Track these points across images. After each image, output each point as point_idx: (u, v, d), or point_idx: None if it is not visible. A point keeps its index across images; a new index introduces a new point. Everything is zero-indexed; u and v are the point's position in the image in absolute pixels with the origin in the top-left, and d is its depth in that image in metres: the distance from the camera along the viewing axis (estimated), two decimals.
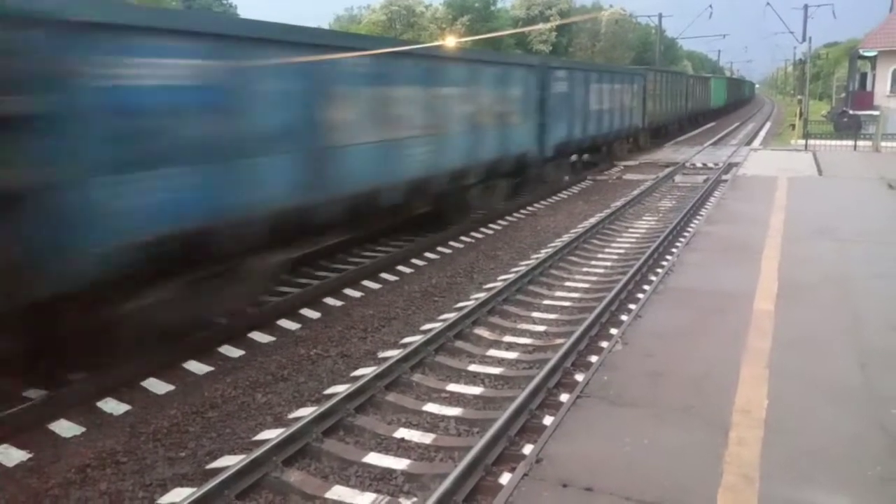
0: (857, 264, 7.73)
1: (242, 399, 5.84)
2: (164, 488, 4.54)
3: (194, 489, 4.24)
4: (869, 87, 34.51)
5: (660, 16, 48.40)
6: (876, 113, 26.79)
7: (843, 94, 40.50)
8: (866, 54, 34.05)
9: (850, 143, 23.38)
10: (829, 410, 4.33)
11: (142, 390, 5.92)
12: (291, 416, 5.49)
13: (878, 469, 3.67)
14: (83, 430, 5.27)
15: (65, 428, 5.26)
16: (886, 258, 8.09)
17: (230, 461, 4.65)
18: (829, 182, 14.93)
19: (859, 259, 7.97)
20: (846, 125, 28.86)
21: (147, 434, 5.24)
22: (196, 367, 6.40)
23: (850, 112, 32.17)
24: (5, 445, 4.95)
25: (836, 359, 5.13)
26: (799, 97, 32.91)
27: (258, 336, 7.15)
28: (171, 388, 6.00)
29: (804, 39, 36.19)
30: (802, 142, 24.84)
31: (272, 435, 4.92)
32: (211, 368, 6.41)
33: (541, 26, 55.39)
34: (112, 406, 5.63)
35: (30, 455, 4.90)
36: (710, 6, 42.11)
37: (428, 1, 62.88)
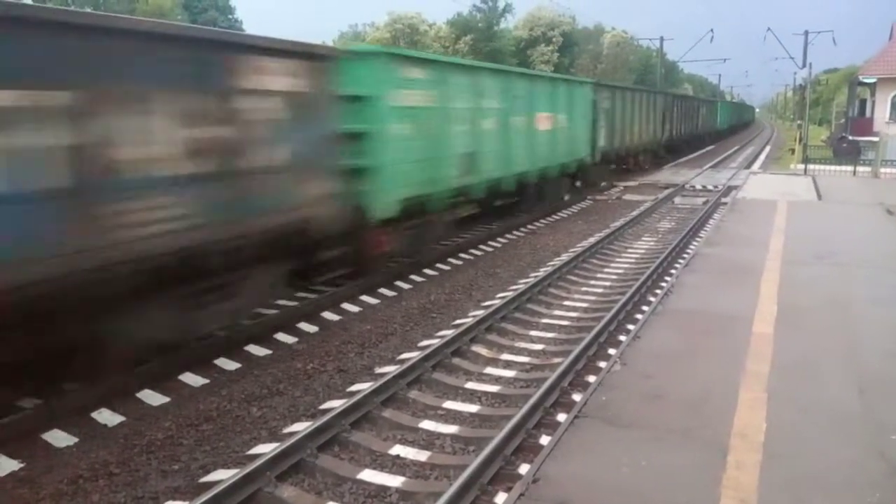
0: (857, 289, 7.72)
1: (237, 412, 5.81)
2: (157, 501, 4.50)
3: (186, 503, 4.20)
4: (868, 114, 34.77)
5: (661, 39, 48.90)
6: (875, 139, 26.94)
7: (843, 120, 40.81)
8: (866, 81, 34.36)
9: (850, 168, 23.48)
10: (827, 436, 4.31)
11: (136, 401, 5.89)
12: (286, 430, 5.45)
13: (878, 496, 3.64)
14: (76, 440, 5.23)
15: (58, 438, 5.22)
16: (886, 284, 8.09)
17: (223, 475, 4.61)
18: (828, 207, 14.97)
19: (859, 284, 7.97)
20: (846, 151, 29.03)
21: (140, 446, 5.19)
22: (192, 379, 6.37)
23: (850, 138, 32.38)
24: None
25: (835, 384, 5.11)
26: (799, 122, 33.13)
27: (255, 349, 7.12)
28: (165, 399, 5.97)
29: (804, 65, 36.51)
30: (802, 166, 24.96)
31: (266, 449, 4.88)
32: (206, 381, 6.38)
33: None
34: (106, 417, 5.59)
35: (22, 465, 4.86)
36: (712, 30, 42.53)
37: (431, 20, 63.50)
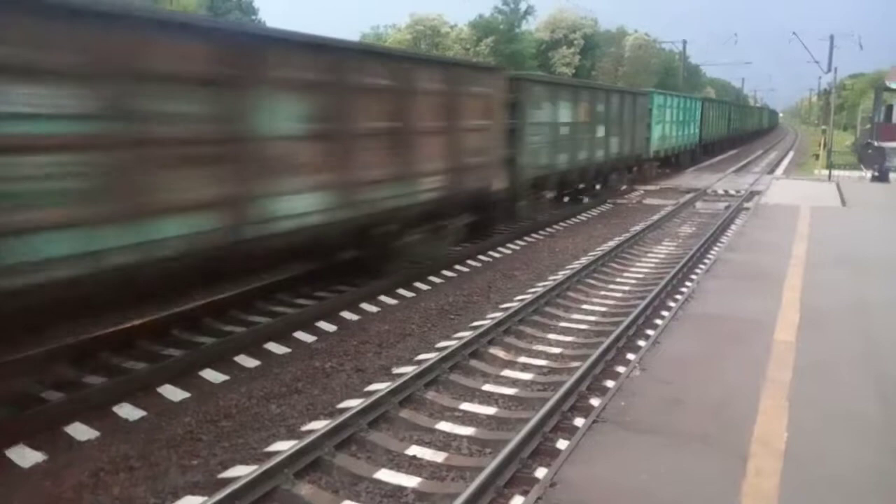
0: (881, 296, 7.61)
1: (256, 409, 5.85)
2: (176, 496, 4.54)
3: (205, 498, 4.24)
4: (895, 120, 34.19)
5: (684, 42, 48.58)
6: None
7: (868, 126, 40.16)
8: (892, 86, 33.78)
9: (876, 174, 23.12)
10: (849, 443, 4.25)
11: (157, 396, 5.95)
12: (304, 428, 5.48)
13: None
14: (98, 434, 5.30)
15: (80, 431, 5.30)
16: None
17: (242, 471, 4.65)
18: (852, 213, 14.76)
19: (883, 291, 7.85)
20: (871, 157, 28.58)
21: (161, 440, 5.25)
22: (212, 375, 6.43)
23: (875, 144, 31.87)
24: (21, 446, 4.99)
25: (858, 391, 5.03)
26: (823, 127, 32.70)
27: (274, 347, 7.17)
28: (186, 395, 6.03)
29: (829, 70, 36.03)
30: (826, 172, 24.64)
31: (285, 447, 4.92)
32: (226, 377, 6.43)
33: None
34: (128, 411, 5.66)
35: (45, 457, 4.93)
36: (735, 34, 42.28)
37: (452, 21, 63.53)
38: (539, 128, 14.05)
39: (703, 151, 33.17)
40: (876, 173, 22.92)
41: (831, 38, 37.87)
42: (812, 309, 7.02)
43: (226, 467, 4.89)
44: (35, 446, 5.02)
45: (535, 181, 13.97)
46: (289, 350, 7.18)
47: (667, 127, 25.20)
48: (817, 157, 29.87)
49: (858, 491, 3.75)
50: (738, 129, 47.06)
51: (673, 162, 27.20)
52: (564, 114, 15.39)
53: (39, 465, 4.85)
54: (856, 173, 23.63)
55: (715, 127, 37.17)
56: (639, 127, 21.35)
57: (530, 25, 64.51)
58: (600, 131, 17.85)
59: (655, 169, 24.63)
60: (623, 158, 20.18)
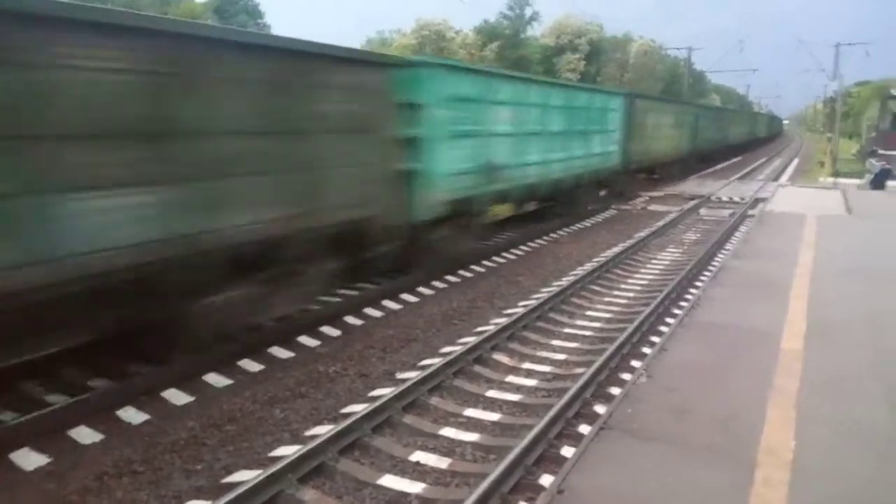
0: (888, 305, 7.57)
1: (260, 414, 5.84)
2: (179, 500, 4.53)
3: (209, 503, 4.22)
4: None
5: (689, 49, 48.56)
6: None
7: (874, 134, 40.06)
8: None
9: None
10: (857, 454, 4.22)
11: (161, 401, 5.95)
12: (308, 433, 5.47)
13: None
14: (102, 437, 5.30)
15: (84, 435, 5.29)
16: None
17: (246, 476, 4.63)
18: (858, 221, 14.71)
19: (890, 299, 7.81)
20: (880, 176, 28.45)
21: (164, 445, 5.24)
22: (215, 379, 6.42)
23: (881, 152, 31.76)
24: (25, 449, 4.98)
25: (866, 401, 5.00)
26: (829, 135, 32.65)
27: (278, 351, 7.16)
28: (190, 399, 6.02)
29: (835, 77, 36.01)
30: (831, 179, 24.58)
31: (289, 452, 4.90)
32: (230, 382, 6.42)
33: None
34: (131, 415, 5.65)
35: (49, 460, 4.93)
36: (741, 41, 42.14)
37: (458, 26, 63.62)
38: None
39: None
40: (872, 181, 22.68)
41: (837, 45, 37.83)
42: (819, 318, 6.98)
43: (229, 472, 4.88)
44: (39, 449, 5.02)
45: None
46: (293, 354, 7.17)
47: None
48: (822, 164, 29.81)
49: (866, 501, 3.72)
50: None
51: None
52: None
53: (43, 469, 4.84)
54: (861, 181, 23.55)
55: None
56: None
57: (535, 31, 64.62)
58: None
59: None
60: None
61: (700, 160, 30.82)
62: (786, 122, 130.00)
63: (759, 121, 68.02)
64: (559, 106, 14.18)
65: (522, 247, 13.30)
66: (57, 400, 5.71)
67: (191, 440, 5.34)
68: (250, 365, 6.80)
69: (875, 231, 13.21)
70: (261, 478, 4.39)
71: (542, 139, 13.29)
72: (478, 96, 10.70)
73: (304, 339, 7.55)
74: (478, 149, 10.74)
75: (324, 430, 5.23)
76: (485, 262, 11.73)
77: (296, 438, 5.39)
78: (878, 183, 22.32)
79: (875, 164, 22.13)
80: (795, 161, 44.50)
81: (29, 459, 4.90)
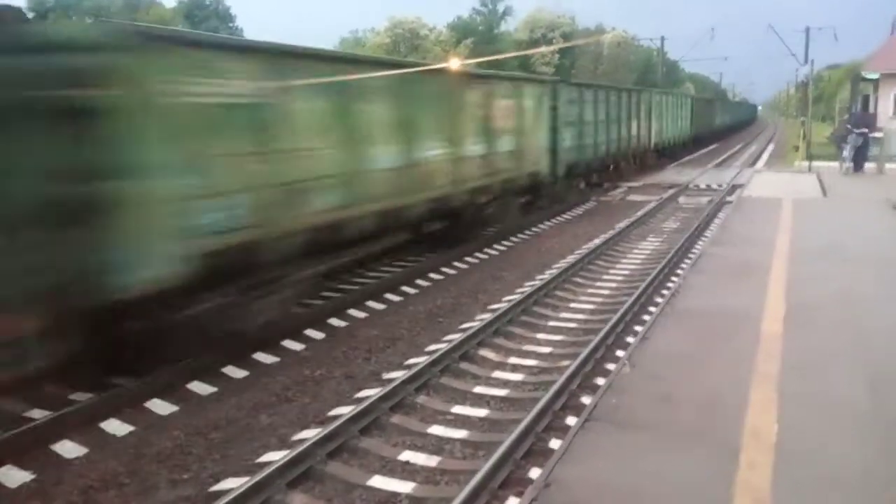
0: (866, 286, 7.69)
1: (246, 420, 5.80)
2: None
3: None
4: (871, 110, 34.61)
5: (662, 38, 48.92)
6: (880, 135, 26.82)
7: (846, 116, 40.64)
8: (868, 77, 34.22)
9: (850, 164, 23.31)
10: (839, 434, 4.28)
11: (145, 411, 5.88)
12: (295, 437, 5.44)
13: (892, 493, 3.62)
14: (86, 450, 5.23)
15: (68, 449, 5.22)
16: (894, 280, 8.06)
17: (234, 483, 4.60)
18: (834, 204, 14.93)
19: (867, 281, 7.93)
20: (841, 138, 28.72)
21: (150, 455, 5.19)
22: (200, 387, 6.37)
23: (856, 132, 32.22)
24: (8, 466, 4.91)
25: (846, 382, 5.08)
26: (802, 119, 33.03)
27: (263, 357, 7.11)
28: (174, 408, 5.97)
29: (806, 62, 36.41)
30: (806, 163, 24.90)
31: (276, 457, 4.88)
32: (215, 389, 6.37)
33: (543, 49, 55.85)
34: (115, 427, 5.59)
35: (33, 476, 4.86)
36: (713, 29, 42.52)
37: (431, 24, 63.56)
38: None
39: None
40: (849, 162, 22.82)
41: (807, 30, 38.26)
42: (798, 301, 7.08)
43: (217, 480, 4.84)
44: (23, 466, 4.94)
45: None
46: (277, 359, 7.13)
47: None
48: (797, 148, 30.16)
49: (849, 481, 3.78)
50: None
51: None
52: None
53: (27, 485, 4.77)
54: (835, 164, 23.86)
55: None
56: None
57: (509, 26, 64.78)
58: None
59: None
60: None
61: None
62: (760, 108, 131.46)
63: (751, 108, 62.52)
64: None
65: (505, 241, 13.33)
66: (39, 415, 5.63)
67: (176, 450, 5.29)
68: (235, 372, 6.74)
69: (850, 213, 13.42)
70: (248, 485, 4.36)
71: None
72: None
73: (289, 343, 7.51)
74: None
75: (311, 434, 5.21)
76: (467, 259, 11.74)
77: (283, 443, 5.37)
78: (858, 162, 22.54)
79: (855, 138, 22.08)
80: (770, 147, 45.04)
81: (12, 477, 4.82)
